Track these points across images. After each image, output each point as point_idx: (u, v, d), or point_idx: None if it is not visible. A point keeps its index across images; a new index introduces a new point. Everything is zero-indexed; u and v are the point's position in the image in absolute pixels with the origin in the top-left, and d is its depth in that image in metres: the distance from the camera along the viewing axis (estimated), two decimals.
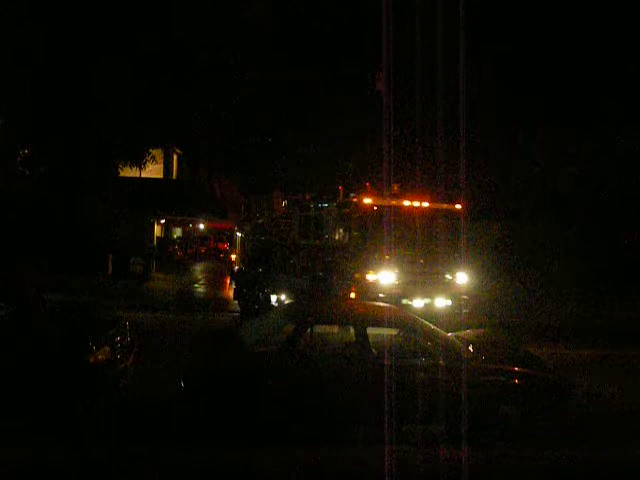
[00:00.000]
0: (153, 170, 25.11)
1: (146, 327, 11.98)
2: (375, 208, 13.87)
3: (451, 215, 14.24)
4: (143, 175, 24.85)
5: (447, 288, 14.03)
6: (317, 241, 16.28)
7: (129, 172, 22.17)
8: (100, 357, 7.42)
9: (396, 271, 13.66)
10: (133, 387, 8.06)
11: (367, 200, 14.03)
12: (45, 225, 20.22)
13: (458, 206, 14.39)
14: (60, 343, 7.35)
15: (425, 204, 14.16)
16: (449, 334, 8.10)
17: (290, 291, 15.00)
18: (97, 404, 7.29)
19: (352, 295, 13.60)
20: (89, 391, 7.23)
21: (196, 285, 26.18)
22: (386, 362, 7.27)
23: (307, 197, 19.13)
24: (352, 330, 7.58)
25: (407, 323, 7.81)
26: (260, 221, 26.16)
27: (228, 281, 26.66)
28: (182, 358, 7.70)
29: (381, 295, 13.10)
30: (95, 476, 5.69)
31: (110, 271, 24.45)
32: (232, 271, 26.68)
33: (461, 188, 16.96)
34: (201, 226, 46.20)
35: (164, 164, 29.41)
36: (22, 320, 7.99)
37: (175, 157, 31.27)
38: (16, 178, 17.92)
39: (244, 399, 6.84)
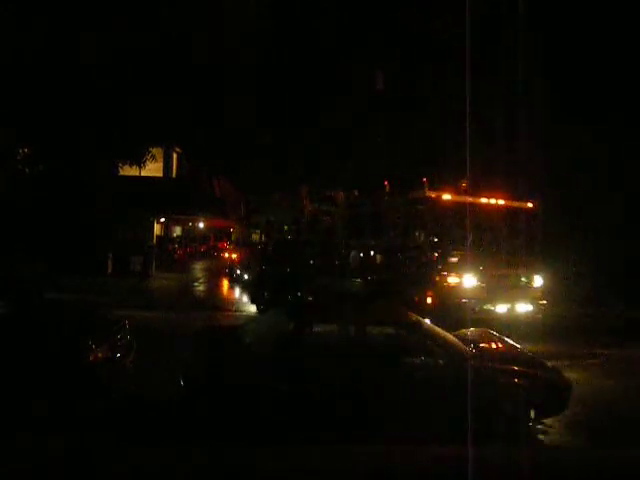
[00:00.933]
0: (153, 169, 25.08)
1: (146, 326, 11.97)
2: (455, 205, 12.93)
3: (527, 214, 13.48)
4: (143, 174, 24.82)
5: (527, 292, 13.21)
6: (375, 241, 14.98)
7: (129, 171, 22.15)
8: (100, 356, 7.43)
9: (478, 274, 12.70)
10: (133, 387, 8.06)
11: (447, 197, 13.04)
12: (45, 224, 20.20)
13: (530, 204, 13.65)
14: (60, 342, 7.35)
15: (501, 202, 13.33)
16: (450, 334, 8.11)
17: (337, 294, 13.31)
18: (97, 403, 7.30)
19: (429, 300, 12.57)
20: (89, 390, 7.23)
21: (196, 284, 26.16)
22: (386, 361, 7.28)
23: (355, 192, 17.87)
24: (352, 328, 7.58)
25: (408, 321, 7.81)
26: (284, 218, 24.70)
27: (227, 281, 26.45)
28: (182, 358, 7.70)
29: (464, 300, 12.30)
30: (95, 476, 5.69)
31: (110, 270, 24.44)
32: (233, 272, 26.12)
33: (533, 185, 15.93)
34: (201, 225, 46.19)
35: (164, 163, 29.37)
36: (22, 319, 8.00)
37: (175, 156, 31.26)
38: (16, 177, 17.89)
39: (244, 399, 6.84)
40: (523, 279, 13.30)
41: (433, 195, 13.19)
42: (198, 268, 35.06)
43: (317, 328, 7.81)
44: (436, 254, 12.93)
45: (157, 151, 23.42)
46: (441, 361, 7.23)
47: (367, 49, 22.92)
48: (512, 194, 13.91)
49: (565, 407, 7.54)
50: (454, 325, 10.91)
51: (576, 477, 6.18)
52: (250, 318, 15.03)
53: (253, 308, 17.14)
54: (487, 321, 12.32)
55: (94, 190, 20.75)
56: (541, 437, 7.53)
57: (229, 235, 42.75)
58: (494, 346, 8.61)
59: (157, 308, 17.01)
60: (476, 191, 13.35)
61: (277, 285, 15.18)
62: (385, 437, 6.41)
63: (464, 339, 8.16)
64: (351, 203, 17.50)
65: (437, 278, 12.67)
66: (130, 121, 16.53)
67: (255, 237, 30.60)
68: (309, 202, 20.71)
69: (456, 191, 13.41)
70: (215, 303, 19.85)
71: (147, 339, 10.21)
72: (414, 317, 8.04)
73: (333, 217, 18.61)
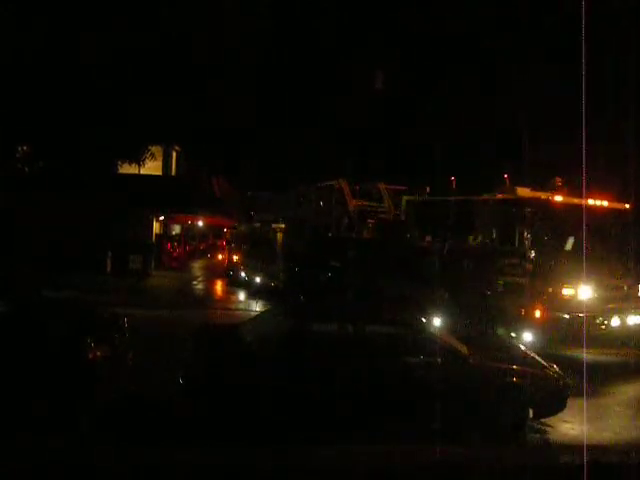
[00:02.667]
0: (152, 167, 25.04)
1: (146, 325, 11.97)
2: (565, 207, 11.83)
3: (627, 216, 12.45)
4: (142, 172, 24.78)
5: (636, 303, 12.27)
6: (458, 244, 13.62)
7: (128, 169, 22.14)
8: (99, 355, 7.45)
9: (592, 284, 11.57)
10: (133, 387, 8.07)
11: (559, 198, 11.96)
12: (44, 223, 20.20)
13: (627, 205, 12.69)
14: (59, 341, 7.37)
15: (605, 203, 12.31)
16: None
17: (404, 303, 11.94)
18: (96, 402, 7.31)
19: (537, 313, 11.47)
20: (88, 388, 7.25)
21: (195, 283, 26.14)
22: (386, 360, 7.30)
23: (427, 189, 16.38)
24: (352, 328, 7.59)
25: (407, 321, 7.83)
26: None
27: (229, 284, 25.91)
28: (182, 358, 7.70)
29: (580, 315, 11.18)
30: (95, 476, 5.70)
31: (109, 269, 24.42)
32: (236, 274, 25.38)
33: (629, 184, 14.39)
34: (200, 223, 46.11)
35: (163, 161, 29.32)
36: (22, 318, 8.01)
37: (174, 154, 31.23)
38: (16, 177, 17.88)
39: (244, 399, 6.85)
40: (625, 288, 12.40)
41: (543, 196, 12.13)
42: (197, 267, 35.07)
43: (317, 328, 7.82)
44: (544, 262, 11.72)
45: (156, 149, 23.34)
46: (440, 360, 7.25)
47: (367, 49, 22.90)
48: (606, 194, 12.76)
49: (564, 407, 7.56)
50: (569, 342, 10.60)
51: (573, 476, 6.21)
52: (250, 317, 14.96)
53: (253, 307, 17.09)
54: (604, 336, 11.61)
55: (93, 188, 20.71)
56: (539, 435, 7.56)
57: (229, 234, 42.32)
58: (493, 346, 8.63)
59: (156, 307, 17.01)
60: (577, 191, 12.12)
61: (318, 288, 14.29)
62: (385, 437, 6.43)
63: (464, 339, 8.17)
64: (422, 201, 15.99)
65: (549, 289, 11.56)
66: (130, 121, 16.51)
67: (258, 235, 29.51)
68: (352, 197, 19.58)
69: (564, 191, 12.38)
70: (214, 302, 19.82)
71: (147, 338, 10.23)
72: (413, 317, 8.06)
73: (392, 215, 16.80)
